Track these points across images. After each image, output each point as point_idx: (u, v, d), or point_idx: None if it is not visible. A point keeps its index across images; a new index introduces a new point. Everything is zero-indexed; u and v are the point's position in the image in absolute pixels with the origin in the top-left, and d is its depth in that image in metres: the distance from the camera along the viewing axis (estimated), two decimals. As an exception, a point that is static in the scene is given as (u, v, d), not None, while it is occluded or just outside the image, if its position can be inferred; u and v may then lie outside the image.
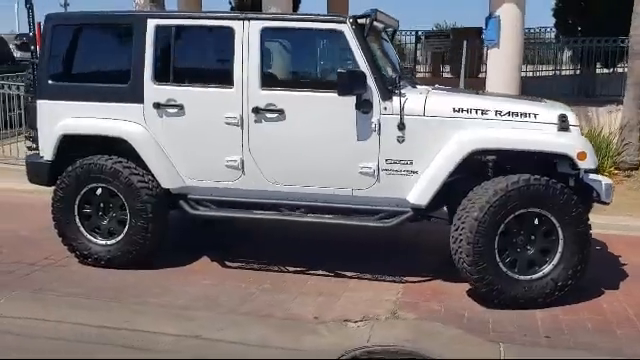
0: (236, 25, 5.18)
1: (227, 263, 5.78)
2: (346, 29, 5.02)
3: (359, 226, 5.24)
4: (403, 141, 5.02)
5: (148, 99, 5.36)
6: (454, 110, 4.98)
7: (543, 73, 14.72)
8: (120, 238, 5.52)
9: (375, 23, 5.25)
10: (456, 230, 4.84)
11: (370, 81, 4.96)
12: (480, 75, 14.59)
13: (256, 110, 5.18)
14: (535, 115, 4.97)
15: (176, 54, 5.39)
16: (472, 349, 4.24)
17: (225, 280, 5.40)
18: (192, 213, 5.46)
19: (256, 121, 5.20)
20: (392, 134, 5.01)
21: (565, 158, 4.87)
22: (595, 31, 12.70)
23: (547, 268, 4.85)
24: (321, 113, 5.13)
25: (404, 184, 5.06)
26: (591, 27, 13.25)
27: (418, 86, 5.66)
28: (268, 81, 5.24)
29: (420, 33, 16.83)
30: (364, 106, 5.00)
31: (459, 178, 5.05)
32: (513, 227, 4.81)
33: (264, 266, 5.70)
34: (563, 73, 14.52)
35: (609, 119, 10.14)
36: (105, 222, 5.61)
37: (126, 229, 5.48)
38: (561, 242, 4.81)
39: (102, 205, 5.59)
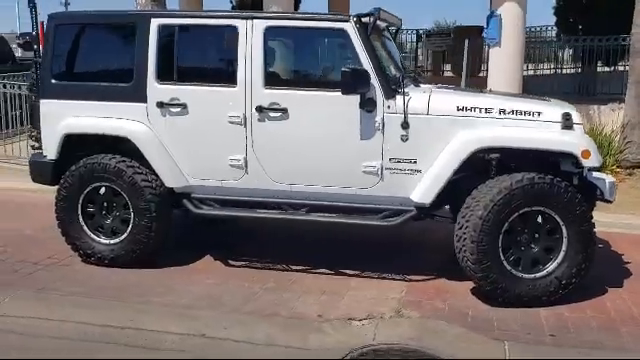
0: (240, 24, 5.17)
1: (230, 262, 5.78)
2: (350, 28, 5.02)
3: (363, 225, 5.24)
4: (407, 140, 5.02)
5: (151, 98, 5.35)
6: (458, 109, 4.98)
7: (543, 72, 14.73)
8: (124, 237, 5.53)
9: (378, 22, 5.24)
10: (460, 229, 4.84)
11: (374, 80, 4.96)
12: (481, 74, 14.58)
13: (259, 109, 5.18)
14: (539, 113, 4.97)
15: (179, 53, 5.39)
16: (477, 347, 4.24)
17: (228, 279, 5.40)
18: (196, 212, 5.46)
19: (259, 120, 5.20)
20: (396, 133, 5.01)
21: (569, 156, 4.87)
22: (596, 30, 12.71)
23: (551, 266, 4.85)
24: (324, 112, 5.13)
25: (408, 183, 5.06)
26: (592, 26, 13.27)
27: (421, 85, 5.65)
28: (272, 80, 5.24)
29: (421, 32, 16.82)
30: (368, 105, 5.00)
31: (462, 176, 5.05)
32: (517, 225, 4.81)
33: (267, 265, 5.70)
34: (564, 72, 14.52)
35: (611, 117, 10.14)
36: (108, 221, 5.61)
37: (130, 228, 5.48)
38: (565, 240, 4.81)
39: (105, 204, 5.59)
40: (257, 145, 5.24)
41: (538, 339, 4.35)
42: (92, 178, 5.48)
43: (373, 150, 5.06)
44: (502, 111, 4.96)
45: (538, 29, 15.29)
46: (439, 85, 5.81)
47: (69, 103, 5.55)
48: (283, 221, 5.54)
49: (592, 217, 4.88)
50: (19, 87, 10.03)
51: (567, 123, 4.92)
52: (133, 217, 5.45)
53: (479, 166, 5.01)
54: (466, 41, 10.89)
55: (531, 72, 13.78)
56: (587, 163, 4.80)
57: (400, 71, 5.45)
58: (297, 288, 5.20)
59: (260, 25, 5.15)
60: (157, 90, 5.34)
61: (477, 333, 4.41)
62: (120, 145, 5.51)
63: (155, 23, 5.33)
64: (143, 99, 5.37)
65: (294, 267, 5.64)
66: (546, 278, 4.84)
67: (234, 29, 5.19)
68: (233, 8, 16.36)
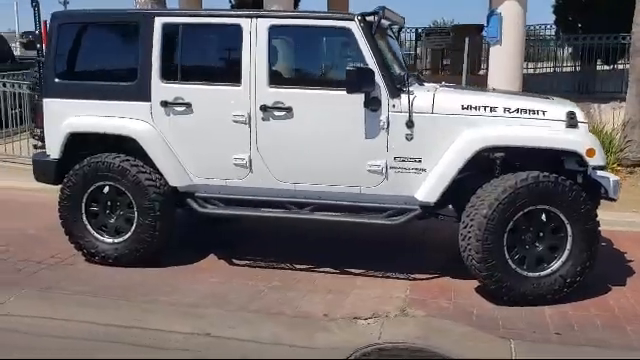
0: (244, 23, 5.17)
1: (234, 261, 5.78)
2: (354, 26, 5.01)
3: (367, 224, 5.24)
4: (411, 139, 5.02)
5: (155, 97, 5.35)
6: (463, 107, 4.98)
7: (543, 70, 14.75)
8: (127, 236, 5.52)
9: (382, 20, 5.24)
10: (465, 227, 4.84)
11: (378, 79, 4.97)
12: (480, 72, 14.60)
13: (264, 108, 5.18)
14: (543, 112, 4.98)
15: (183, 52, 5.40)
16: (483, 346, 4.25)
17: (233, 278, 5.41)
18: (200, 211, 5.46)
19: (264, 119, 5.20)
20: (400, 132, 5.02)
21: (573, 155, 4.88)
22: (595, 28, 12.73)
23: (556, 265, 4.86)
24: (329, 111, 5.13)
25: (412, 182, 5.07)
26: (591, 24, 13.29)
27: (425, 84, 5.66)
28: (276, 79, 5.25)
29: (420, 30, 16.83)
30: (372, 104, 5.00)
31: (466, 175, 5.05)
32: (522, 224, 4.82)
33: (272, 264, 5.70)
34: (563, 70, 14.53)
35: (611, 116, 10.15)
36: (112, 220, 5.60)
37: (134, 227, 5.48)
38: (570, 239, 4.82)
39: (109, 203, 5.58)
40: (261, 144, 5.24)
41: (544, 337, 4.37)
42: (96, 177, 5.48)
43: (378, 149, 5.06)
44: (507, 110, 4.97)
45: (537, 27, 15.29)
46: (443, 84, 5.81)
47: (72, 102, 5.54)
48: (286, 220, 5.54)
49: (597, 215, 4.89)
50: (19, 86, 10.00)
51: (571, 122, 4.94)
52: (137, 216, 5.45)
53: (483, 165, 5.01)
54: (466, 39, 10.91)
55: (531, 71, 13.78)
56: (592, 162, 4.81)
57: (404, 70, 5.45)
58: (302, 287, 5.21)
59: (264, 24, 5.14)
60: (161, 89, 5.33)
61: (483, 332, 4.43)
62: (123, 144, 5.50)
63: (159, 22, 5.32)
64: (147, 98, 5.36)
65: (298, 266, 5.64)
66: (551, 276, 4.85)
67: (238, 28, 5.18)
68: (232, 7, 16.32)
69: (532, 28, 14.97)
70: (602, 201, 5.18)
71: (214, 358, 4.14)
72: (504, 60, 10.10)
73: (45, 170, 5.76)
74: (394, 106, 5.01)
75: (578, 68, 14.36)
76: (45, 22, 7.17)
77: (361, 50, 5.02)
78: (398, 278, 5.43)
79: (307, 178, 5.25)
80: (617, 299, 5.02)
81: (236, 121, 5.23)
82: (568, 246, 4.83)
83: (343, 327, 4.50)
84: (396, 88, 5.02)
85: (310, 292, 5.10)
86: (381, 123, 5.03)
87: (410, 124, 4.99)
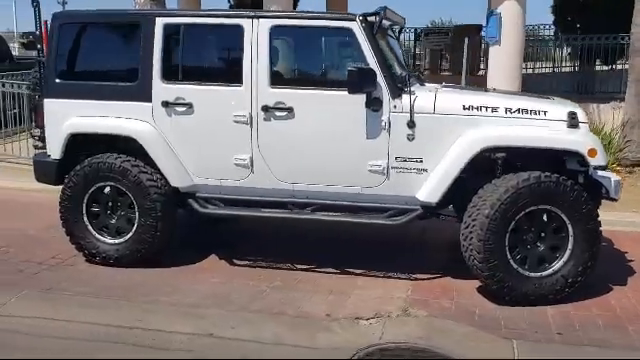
0: (245, 23, 5.17)
1: (235, 261, 5.78)
2: (356, 27, 5.01)
3: (368, 224, 5.24)
4: (413, 139, 5.02)
5: (157, 98, 5.35)
6: (464, 108, 4.99)
7: (541, 70, 14.76)
8: (129, 237, 5.52)
9: (383, 21, 5.24)
10: (467, 227, 4.85)
11: (380, 79, 4.97)
12: (479, 72, 14.60)
13: (265, 108, 5.17)
14: (545, 112, 4.99)
15: (184, 52, 5.40)
16: (485, 346, 4.26)
17: (234, 278, 5.40)
18: (201, 211, 5.46)
19: (265, 119, 5.20)
20: (402, 132, 5.02)
21: (575, 155, 4.89)
22: (594, 28, 12.75)
23: (557, 265, 4.87)
24: (330, 111, 5.13)
25: (414, 182, 5.07)
26: (590, 24, 13.31)
27: (426, 84, 5.66)
28: (277, 79, 5.24)
29: (419, 30, 16.83)
30: (374, 104, 5.00)
31: (467, 175, 5.06)
32: (523, 224, 4.82)
33: (272, 264, 5.70)
34: (562, 70, 14.55)
35: (611, 116, 10.16)
36: (113, 221, 5.60)
37: (135, 228, 5.48)
38: (571, 239, 4.83)
39: (110, 204, 5.58)
40: (263, 144, 5.24)
41: (546, 337, 4.37)
42: (97, 178, 5.47)
43: (379, 149, 5.07)
44: (508, 110, 4.97)
45: (535, 27, 15.32)
46: (444, 84, 5.81)
47: (73, 102, 5.53)
48: (287, 220, 5.53)
49: (598, 215, 4.89)
50: (18, 86, 9.98)
51: (573, 122, 4.94)
52: (138, 217, 5.44)
53: (484, 165, 5.02)
54: (466, 39, 10.92)
55: (530, 71, 13.80)
56: (593, 162, 4.81)
57: (405, 70, 5.46)
58: (303, 287, 5.21)
59: (266, 24, 5.14)
60: (162, 89, 5.33)
61: (485, 332, 4.43)
62: (124, 144, 5.49)
63: (160, 22, 5.32)
64: (148, 98, 5.36)
65: (300, 266, 5.64)
66: (552, 276, 4.86)
67: (240, 28, 5.18)
68: (231, 7, 16.32)
69: (531, 28, 15.00)
70: (602, 201, 5.19)
71: (213, 358, 4.14)
72: (503, 60, 10.09)
73: (46, 170, 5.75)
74: (395, 106, 5.01)
75: (577, 68, 14.38)
76: (46, 22, 7.16)
77: (362, 50, 5.02)
78: (399, 278, 5.43)
79: (308, 178, 5.25)
80: (618, 299, 5.03)
81: (237, 121, 5.23)
82: (570, 246, 4.84)
83: (345, 327, 4.50)
84: (397, 88, 5.02)
85: (312, 292, 5.10)
86: (382, 123, 5.03)
87: (411, 124, 4.99)
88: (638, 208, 7.38)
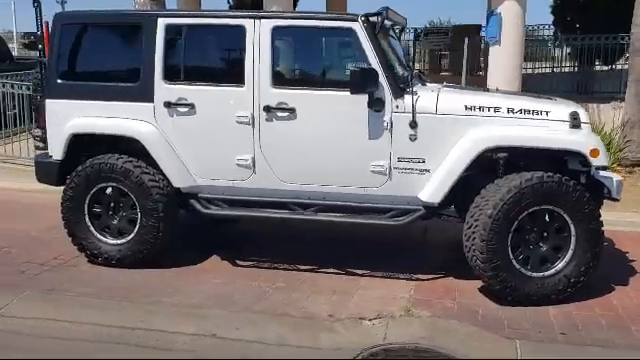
0: (247, 24, 5.16)
1: (238, 262, 5.77)
2: (357, 27, 5.01)
3: (371, 224, 5.24)
4: (415, 139, 5.02)
5: (159, 98, 5.34)
6: (466, 108, 4.99)
7: (541, 70, 14.77)
8: (130, 237, 5.51)
9: (384, 21, 5.24)
10: (469, 228, 4.85)
11: (382, 79, 4.97)
12: (479, 73, 14.61)
13: (267, 109, 5.17)
14: (547, 112, 4.99)
15: (186, 53, 5.39)
16: (489, 346, 4.26)
17: (236, 279, 5.40)
18: (204, 212, 5.45)
19: (267, 120, 5.20)
20: (404, 132, 5.02)
21: (577, 155, 4.89)
22: (593, 28, 12.77)
23: (560, 265, 4.87)
24: (332, 111, 5.13)
25: (416, 182, 5.07)
26: (589, 24, 13.33)
27: (428, 84, 5.66)
28: (279, 80, 5.24)
29: (419, 30, 16.84)
30: (376, 104, 5.00)
31: (469, 176, 5.06)
32: (526, 224, 4.83)
33: (275, 265, 5.69)
34: (562, 70, 14.57)
35: (611, 116, 10.17)
36: (115, 221, 5.59)
37: (137, 228, 5.47)
38: (573, 239, 4.83)
39: (112, 204, 5.57)
40: (265, 145, 5.24)
41: (550, 337, 4.37)
42: (99, 178, 5.47)
43: (381, 150, 5.07)
44: (510, 110, 4.98)
45: (535, 27, 15.33)
46: (445, 84, 5.81)
47: (75, 103, 5.53)
48: (289, 220, 5.54)
49: (600, 215, 4.90)
50: (19, 87, 9.97)
51: (575, 122, 4.95)
52: (140, 217, 5.44)
53: (485, 165, 5.02)
54: (466, 40, 10.92)
55: (529, 71, 13.81)
56: (596, 162, 4.82)
57: (407, 70, 5.46)
58: (306, 287, 5.21)
59: (268, 25, 5.14)
60: (164, 90, 5.33)
61: (488, 332, 4.43)
62: (126, 145, 5.49)
63: (162, 23, 5.31)
64: (150, 99, 5.36)
65: (301, 266, 5.64)
66: (555, 276, 4.86)
67: (242, 29, 5.18)
68: (231, 7, 16.33)
69: (530, 28, 15.01)
70: (603, 201, 5.20)
71: (213, 358, 4.14)
72: (503, 60, 10.10)
73: (47, 171, 5.74)
74: (397, 107, 5.01)
75: (576, 68, 14.39)
76: (47, 22, 7.16)
77: (364, 51, 5.02)
78: (402, 278, 5.43)
79: (310, 179, 5.25)
80: (621, 299, 5.03)
81: (239, 122, 5.23)
82: (572, 246, 4.84)
83: (349, 328, 4.50)
84: (399, 88, 5.02)
85: (314, 293, 5.10)
86: (384, 124, 5.03)
87: (414, 124, 5.00)
88: (638, 208, 7.39)
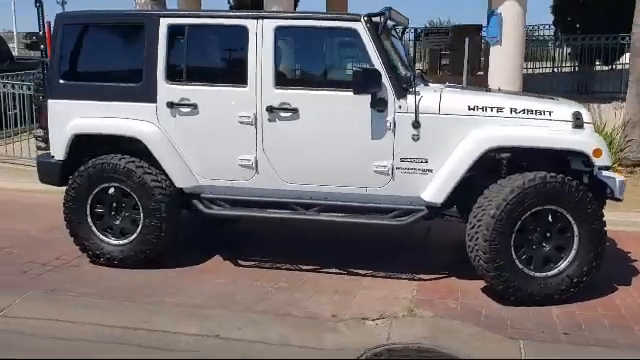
0: (250, 24, 5.16)
1: (240, 262, 5.77)
2: (360, 27, 5.01)
3: (374, 224, 5.24)
4: (418, 139, 5.02)
5: (161, 98, 5.34)
6: (469, 108, 4.99)
7: (541, 70, 14.78)
8: (133, 238, 5.50)
9: (387, 21, 5.24)
10: (472, 228, 4.84)
11: (385, 79, 4.96)
12: (479, 72, 14.61)
13: (270, 109, 5.17)
14: (550, 112, 4.99)
15: (189, 53, 5.38)
16: (492, 346, 4.26)
17: (239, 279, 5.40)
18: (206, 212, 5.45)
19: (270, 120, 5.20)
20: (407, 132, 5.02)
21: (580, 155, 4.89)
22: (593, 28, 12.79)
23: (562, 265, 4.87)
24: (335, 112, 5.13)
25: (419, 182, 5.07)
26: (589, 24, 13.35)
27: (430, 84, 5.66)
28: (282, 80, 5.24)
29: (419, 30, 16.85)
30: (379, 104, 5.00)
31: (471, 176, 5.05)
32: (529, 224, 4.82)
33: (277, 265, 5.69)
34: (562, 70, 14.58)
35: (612, 116, 10.17)
36: (117, 222, 5.58)
37: (139, 229, 5.46)
38: (576, 239, 4.83)
39: (114, 205, 5.56)
40: (267, 145, 5.24)
41: (553, 337, 4.37)
42: (101, 179, 5.46)
43: (384, 150, 5.07)
44: (513, 110, 4.97)
45: (535, 27, 15.35)
46: (448, 84, 5.81)
47: (77, 103, 5.52)
48: (291, 221, 5.53)
49: (603, 215, 4.90)
50: (19, 87, 9.96)
51: (578, 122, 4.95)
52: (143, 217, 5.43)
53: (488, 165, 5.02)
54: (466, 40, 10.94)
55: (529, 71, 13.82)
56: (598, 162, 4.82)
57: (410, 70, 5.46)
58: (308, 287, 5.21)
59: (270, 25, 5.14)
60: (167, 90, 5.32)
61: (491, 332, 4.43)
62: (129, 145, 5.49)
63: (164, 23, 5.31)
64: (153, 99, 5.35)
65: (303, 266, 5.64)
66: (558, 276, 4.86)
67: (244, 29, 5.17)
68: (231, 8, 16.33)
69: (530, 28, 15.03)
70: (605, 201, 5.19)
71: (212, 358, 4.13)
72: (504, 60, 10.12)
73: (50, 171, 5.73)
74: (400, 107, 5.01)
75: (576, 68, 14.40)
76: (49, 23, 7.16)
77: (367, 51, 5.02)
78: (404, 278, 5.43)
79: (313, 179, 5.25)
80: (623, 299, 5.03)
81: (242, 122, 5.23)
82: (575, 246, 4.84)
83: (352, 328, 4.50)
84: (402, 89, 5.02)
85: (317, 293, 5.10)
86: (387, 124, 5.03)
87: (416, 125, 5.00)
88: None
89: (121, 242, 5.55)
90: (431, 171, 5.03)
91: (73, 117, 5.52)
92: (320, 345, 4.29)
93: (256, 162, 5.27)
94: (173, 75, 5.34)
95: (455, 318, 4.66)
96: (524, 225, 4.80)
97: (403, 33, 6.41)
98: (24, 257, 5.84)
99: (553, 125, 4.95)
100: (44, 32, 7.40)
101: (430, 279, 5.42)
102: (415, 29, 16.65)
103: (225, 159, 5.32)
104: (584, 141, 4.86)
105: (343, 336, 4.39)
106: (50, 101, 5.65)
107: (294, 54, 5.70)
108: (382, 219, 5.19)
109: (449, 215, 5.52)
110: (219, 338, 4.36)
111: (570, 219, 4.81)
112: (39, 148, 6.23)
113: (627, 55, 11.72)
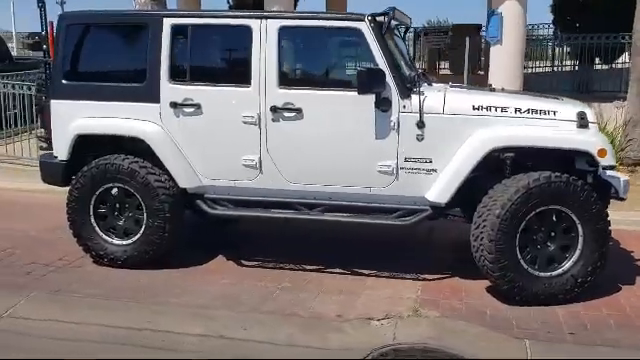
0: (253, 24, 5.15)
1: (244, 262, 5.76)
2: (364, 27, 5.01)
3: (378, 224, 5.24)
4: (422, 139, 5.02)
5: (165, 98, 5.33)
6: (474, 108, 4.99)
7: (541, 69, 14.79)
8: (136, 238, 5.49)
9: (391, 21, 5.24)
10: (477, 228, 4.84)
11: (389, 79, 4.96)
12: (479, 72, 14.63)
13: (274, 109, 5.16)
14: (554, 112, 4.99)
15: (192, 53, 5.37)
16: (498, 346, 4.26)
17: (243, 279, 5.39)
18: (210, 212, 5.44)
19: (274, 120, 5.19)
20: (411, 132, 5.02)
21: (584, 155, 4.89)
22: (593, 27, 12.79)
23: (567, 264, 4.87)
24: (339, 112, 5.12)
25: (423, 182, 5.07)
26: (589, 23, 13.36)
27: (434, 84, 5.66)
28: (286, 80, 5.23)
29: (418, 30, 16.85)
30: (383, 104, 5.00)
31: (475, 175, 5.05)
32: (534, 224, 4.82)
33: (281, 265, 5.68)
34: (563, 69, 14.59)
35: (613, 115, 10.18)
36: (121, 222, 5.57)
37: (143, 229, 5.45)
38: (581, 239, 4.83)
39: (118, 205, 5.55)
40: (271, 145, 5.23)
41: (559, 337, 4.37)
42: (104, 179, 5.45)
43: (388, 150, 5.06)
44: (518, 110, 4.97)
45: (535, 27, 15.35)
46: (451, 84, 5.81)
47: (80, 103, 5.51)
48: (294, 221, 5.52)
49: (607, 215, 4.90)
50: (19, 87, 9.93)
51: (582, 122, 4.95)
52: (146, 218, 5.42)
53: (492, 165, 5.02)
54: (467, 39, 10.94)
55: (529, 70, 13.82)
56: (603, 162, 4.82)
57: (414, 70, 5.45)
58: (313, 288, 5.20)
59: (274, 25, 5.13)
60: (170, 90, 5.32)
61: (497, 332, 4.43)
62: (131, 145, 5.48)
63: (168, 23, 5.30)
64: (156, 99, 5.34)
65: (308, 267, 5.63)
66: (562, 276, 4.86)
67: (248, 29, 5.17)
68: (231, 8, 16.32)
69: (530, 27, 15.02)
70: (609, 201, 5.19)
71: (217, 358, 4.13)
72: (504, 59, 10.13)
73: (52, 172, 5.73)
74: (405, 107, 5.01)
75: (576, 67, 14.42)
76: (52, 23, 7.15)
77: (371, 51, 5.01)
78: (408, 278, 5.42)
79: (317, 179, 5.24)
80: (627, 298, 5.04)
81: (246, 122, 5.22)
82: (579, 246, 4.84)
83: (357, 328, 4.50)
84: (407, 89, 5.02)
85: (321, 293, 5.09)
86: (391, 124, 5.03)
87: (421, 125, 4.99)
88: (641, 207, 7.39)
89: (124, 242, 5.54)
90: (435, 171, 5.03)
91: (76, 117, 5.50)
92: (326, 345, 4.29)
93: (260, 162, 5.27)
94: (176, 75, 5.33)
95: (460, 318, 4.66)
96: (529, 225, 4.80)
97: (405, 33, 6.40)
98: (27, 258, 5.82)
99: (558, 125, 4.95)
100: (47, 32, 7.39)
101: (434, 279, 5.42)
102: (415, 29, 16.66)
103: (229, 159, 5.31)
104: (589, 141, 4.86)
105: (349, 336, 4.39)
106: (53, 101, 5.64)
107: (298, 54, 5.68)
108: (386, 219, 5.19)
109: (453, 215, 5.51)
110: (224, 338, 4.36)
111: (575, 219, 4.81)
112: (41, 148, 6.23)
113: (626, 54, 11.77)
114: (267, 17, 5.19)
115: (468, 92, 5.54)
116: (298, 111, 5.15)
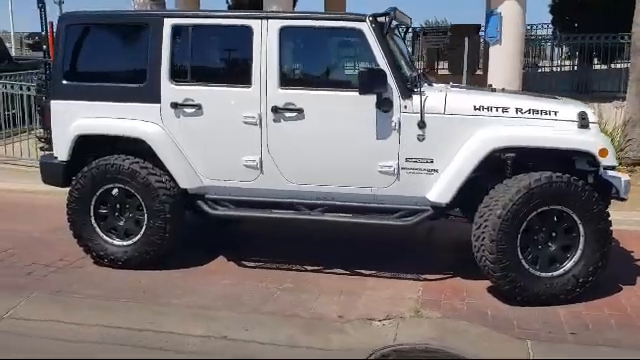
0: (254, 24, 5.15)
1: (244, 263, 5.75)
2: (366, 27, 5.01)
3: (379, 225, 5.23)
4: (423, 140, 5.02)
5: (165, 99, 5.32)
6: (475, 108, 4.99)
7: (539, 69, 14.79)
8: (137, 239, 5.48)
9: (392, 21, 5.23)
10: (478, 228, 4.84)
11: (390, 80, 4.96)
12: (478, 72, 14.61)
13: (275, 109, 5.16)
14: (555, 112, 4.99)
15: (193, 54, 5.36)
16: (499, 347, 4.26)
17: (244, 280, 5.38)
18: (211, 213, 5.43)
19: (275, 120, 5.19)
20: (412, 133, 5.01)
21: (585, 155, 4.90)
22: (592, 27, 12.81)
23: (568, 265, 4.87)
24: (340, 112, 5.12)
25: (424, 183, 5.07)
26: (588, 23, 13.38)
27: (435, 84, 5.66)
28: (287, 80, 5.22)
29: (417, 30, 16.85)
30: (384, 105, 5.00)
31: (477, 176, 5.05)
32: (535, 224, 4.82)
33: (281, 265, 5.68)
34: (561, 70, 14.60)
35: (612, 115, 10.19)
36: (121, 223, 5.57)
37: (143, 230, 5.44)
38: (582, 239, 4.83)
39: (118, 206, 5.54)
40: (272, 145, 5.23)
41: (560, 338, 4.37)
42: (105, 179, 5.44)
43: (389, 150, 5.06)
44: (519, 110, 4.98)
45: (535, 27, 15.35)
46: (452, 84, 5.82)
47: (81, 104, 5.50)
48: (295, 221, 5.51)
49: (609, 215, 4.90)
50: (20, 87, 9.92)
51: (583, 122, 4.95)
52: (147, 218, 5.41)
53: (493, 165, 5.02)
54: (466, 39, 10.95)
55: (529, 70, 13.82)
56: (604, 162, 4.82)
57: (415, 70, 5.45)
58: (314, 288, 5.19)
59: (275, 25, 5.12)
60: (171, 91, 5.31)
61: (499, 332, 4.43)
62: (132, 146, 5.47)
63: (168, 23, 5.29)
64: (157, 100, 5.34)
65: (308, 267, 5.63)
66: (564, 276, 4.86)
67: (249, 29, 5.16)
68: (229, 8, 16.31)
69: (529, 27, 15.03)
70: (610, 201, 5.19)
71: (211, 358, 4.13)
72: (504, 59, 10.14)
73: (53, 172, 5.72)
74: (406, 107, 5.01)
75: (575, 67, 14.43)
76: (52, 23, 7.15)
77: (372, 51, 5.01)
78: (409, 279, 5.42)
79: (318, 179, 5.24)
80: (629, 298, 5.04)
81: (247, 122, 5.21)
82: (581, 246, 4.85)
83: (358, 328, 4.50)
84: (407, 89, 5.02)
85: (323, 293, 5.09)
86: (393, 124, 5.03)
87: (422, 125, 4.99)
88: (642, 207, 7.40)
89: (125, 243, 5.54)
90: (436, 171, 5.03)
91: (76, 118, 5.49)
92: (328, 346, 4.28)
93: (261, 162, 5.26)
94: (177, 75, 5.32)
95: (462, 318, 4.66)
96: (530, 225, 4.80)
97: (406, 33, 6.40)
98: (27, 258, 5.81)
99: (559, 125, 4.95)
100: (46, 32, 7.38)
101: (435, 279, 5.42)
102: (413, 29, 16.66)
103: (230, 159, 5.31)
104: (590, 141, 4.86)
105: (350, 337, 4.39)
106: (53, 102, 5.63)
107: (299, 54, 5.66)
108: (387, 219, 5.19)
109: (454, 215, 5.51)
110: (227, 339, 4.35)
111: (576, 219, 4.81)
112: (42, 149, 6.22)
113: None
114: (268, 17, 5.19)
115: (469, 92, 5.54)
116: (299, 111, 5.14)
